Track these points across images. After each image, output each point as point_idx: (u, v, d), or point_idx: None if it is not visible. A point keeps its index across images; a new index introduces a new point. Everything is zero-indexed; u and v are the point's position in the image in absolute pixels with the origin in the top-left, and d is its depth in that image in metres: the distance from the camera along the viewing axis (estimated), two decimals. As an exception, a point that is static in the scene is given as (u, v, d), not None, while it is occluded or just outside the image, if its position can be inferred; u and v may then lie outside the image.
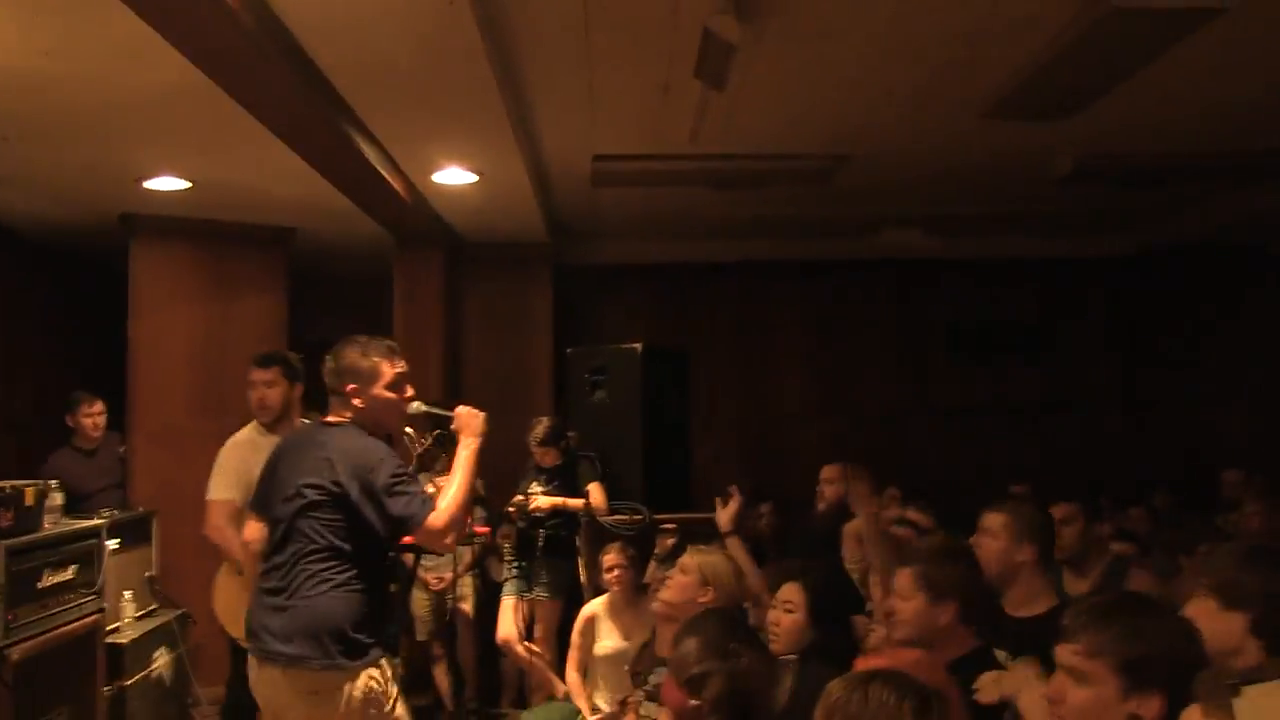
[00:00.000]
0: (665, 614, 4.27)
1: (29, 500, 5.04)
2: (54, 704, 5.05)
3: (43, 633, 4.99)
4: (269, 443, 4.68)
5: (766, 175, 6.47)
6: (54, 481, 5.37)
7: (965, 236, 8.46)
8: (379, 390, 3.61)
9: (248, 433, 5.10)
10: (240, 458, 4.91)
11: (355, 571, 3.42)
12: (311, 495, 3.42)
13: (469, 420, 3.82)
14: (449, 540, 3.55)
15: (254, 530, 4.03)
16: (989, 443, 8.72)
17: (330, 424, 3.61)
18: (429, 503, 3.46)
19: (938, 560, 3.29)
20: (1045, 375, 8.98)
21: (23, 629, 4.87)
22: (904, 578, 3.28)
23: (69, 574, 5.23)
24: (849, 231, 8.33)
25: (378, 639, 3.46)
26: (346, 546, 3.41)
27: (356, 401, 3.57)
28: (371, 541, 3.45)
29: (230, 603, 4.93)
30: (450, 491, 3.55)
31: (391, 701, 3.46)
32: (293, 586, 3.39)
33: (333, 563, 3.39)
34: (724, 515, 4.89)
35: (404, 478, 3.46)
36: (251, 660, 3.49)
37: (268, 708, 3.50)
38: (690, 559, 4.31)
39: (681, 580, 4.19)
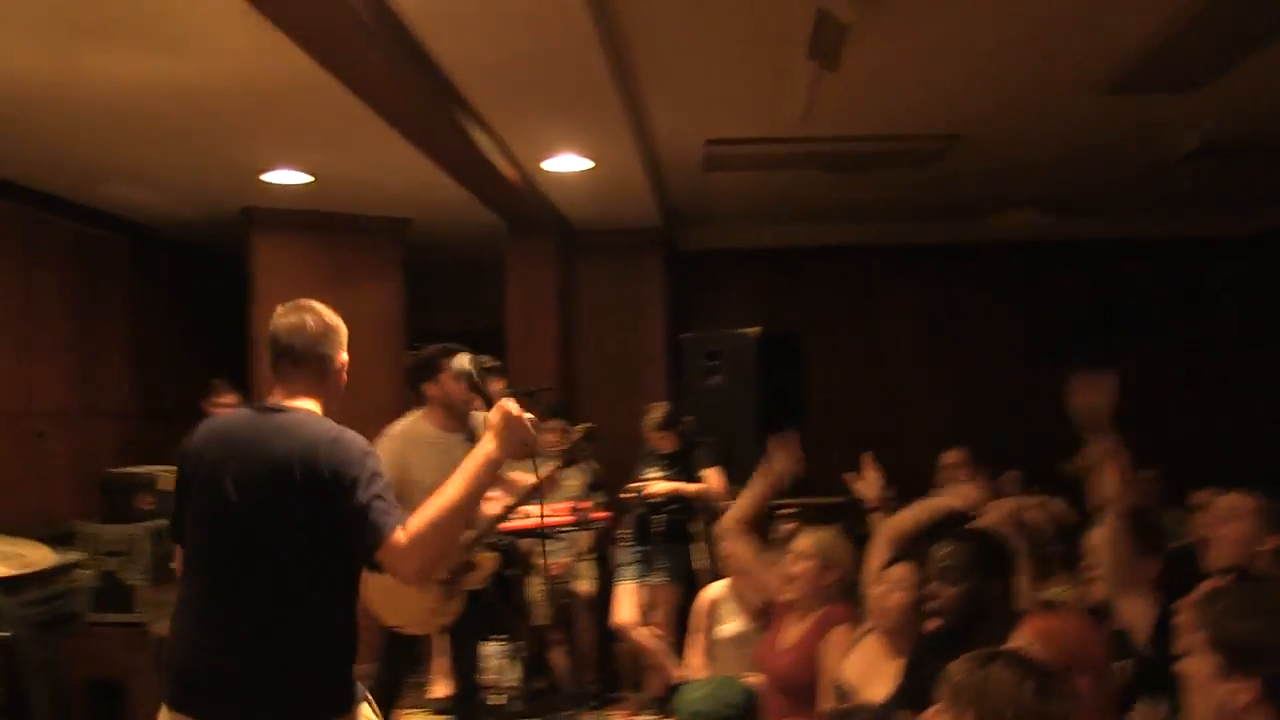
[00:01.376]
0: (792, 605, 4.26)
1: (167, 485, 5.23)
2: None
3: (180, 613, 5.17)
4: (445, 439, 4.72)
5: (879, 157, 6.38)
6: (189, 467, 5.55)
7: (1083, 217, 8.24)
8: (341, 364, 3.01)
9: (406, 422, 4.93)
10: (393, 450, 4.69)
11: (336, 594, 2.85)
12: (276, 492, 2.76)
13: (503, 423, 2.81)
14: (426, 565, 2.72)
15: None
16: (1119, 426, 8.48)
17: (280, 408, 2.92)
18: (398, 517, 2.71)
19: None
20: (1167, 358, 8.69)
21: (165, 607, 5.05)
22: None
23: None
24: (963, 214, 8.17)
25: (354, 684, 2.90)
26: (324, 558, 2.79)
27: (337, 379, 3.00)
28: (342, 552, 2.78)
29: (382, 591, 4.65)
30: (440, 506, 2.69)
31: None
32: (255, 615, 2.75)
33: (310, 583, 2.78)
34: (869, 488, 4.76)
35: (380, 478, 2.77)
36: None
37: None
38: (806, 543, 4.29)
39: (803, 567, 4.17)
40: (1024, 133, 5.99)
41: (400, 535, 2.63)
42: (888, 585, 3.78)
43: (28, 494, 5.71)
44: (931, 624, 3.54)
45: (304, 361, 2.91)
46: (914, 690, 3.41)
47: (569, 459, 5.06)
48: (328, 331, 2.94)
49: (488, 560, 5.05)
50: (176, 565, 3.09)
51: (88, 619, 5.01)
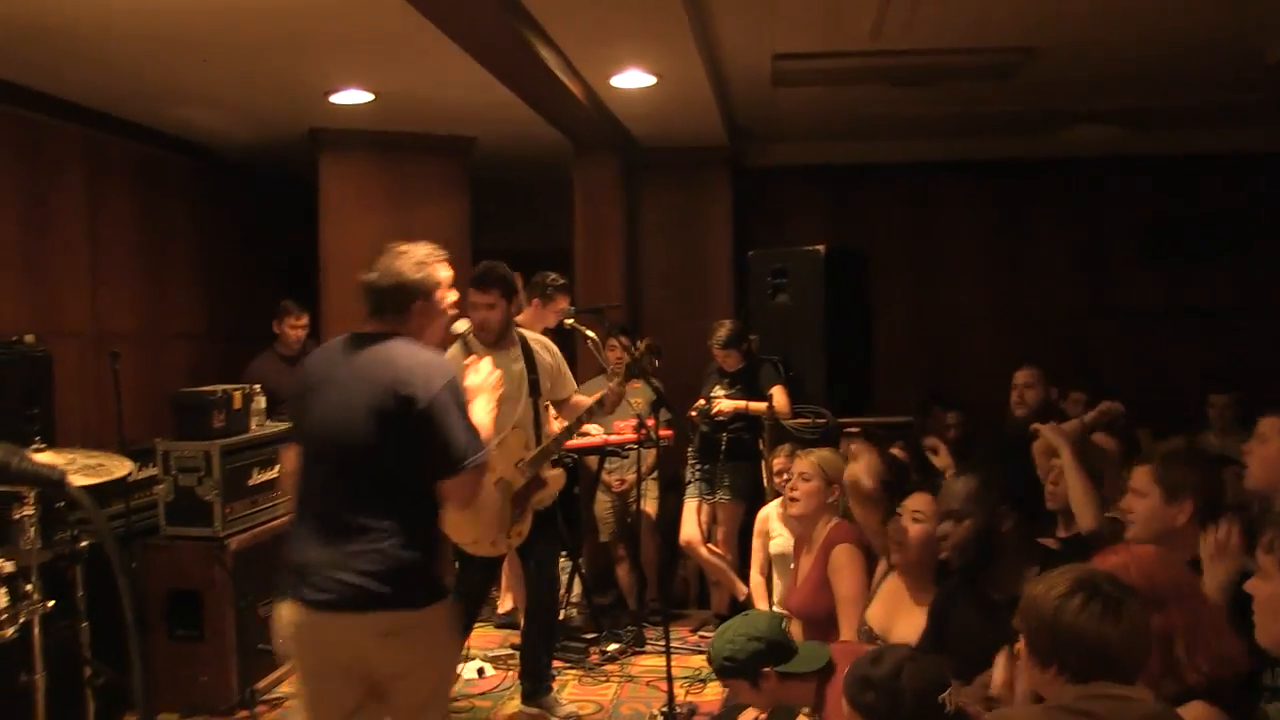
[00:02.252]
0: (801, 523, 4.27)
1: (237, 404, 5.34)
2: (267, 591, 5.37)
3: (254, 526, 5.31)
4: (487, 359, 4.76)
5: (950, 70, 6.24)
6: (257, 386, 5.65)
7: (1161, 131, 7.99)
8: (440, 295, 3.34)
9: (455, 350, 4.86)
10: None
11: (430, 504, 3.19)
12: (375, 413, 3.10)
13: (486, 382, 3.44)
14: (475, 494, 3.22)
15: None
16: (1182, 348, 8.32)
17: (377, 336, 3.26)
18: (479, 447, 3.16)
19: (1176, 460, 3.21)
20: (1244, 277, 8.47)
21: (237, 522, 5.20)
22: (1141, 475, 3.21)
23: (274, 473, 5.52)
24: (1035, 128, 7.97)
25: (443, 580, 3.28)
26: (419, 475, 3.14)
27: (417, 314, 3.29)
28: (426, 470, 3.15)
29: (454, 511, 4.85)
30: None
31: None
32: (360, 523, 3.09)
33: (406, 495, 3.14)
34: (942, 460, 4.78)
35: (462, 407, 3.16)
36: (295, 609, 3.14)
37: (332, 660, 3.13)
38: (806, 463, 4.28)
39: (806, 487, 4.17)
40: (1102, 42, 5.79)
41: (467, 466, 3.09)
42: (906, 515, 3.76)
43: (105, 413, 5.82)
44: (944, 555, 3.53)
45: (390, 302, 3.27)
46: (938, 632, 3.43)
47: (631, 374, 5.07)
48: (409, 279, 3.27)
49: (556, 477, 5.09)
50: (287, 469, 3.46)
51: (165, 532, 5.12)
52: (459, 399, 3.16)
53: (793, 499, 4.36)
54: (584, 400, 5.19)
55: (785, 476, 5.35)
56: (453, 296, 3.41)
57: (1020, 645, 2.37)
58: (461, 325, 4.84)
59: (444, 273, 3.36)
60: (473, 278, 4.97)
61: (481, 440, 3.18)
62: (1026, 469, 4.47)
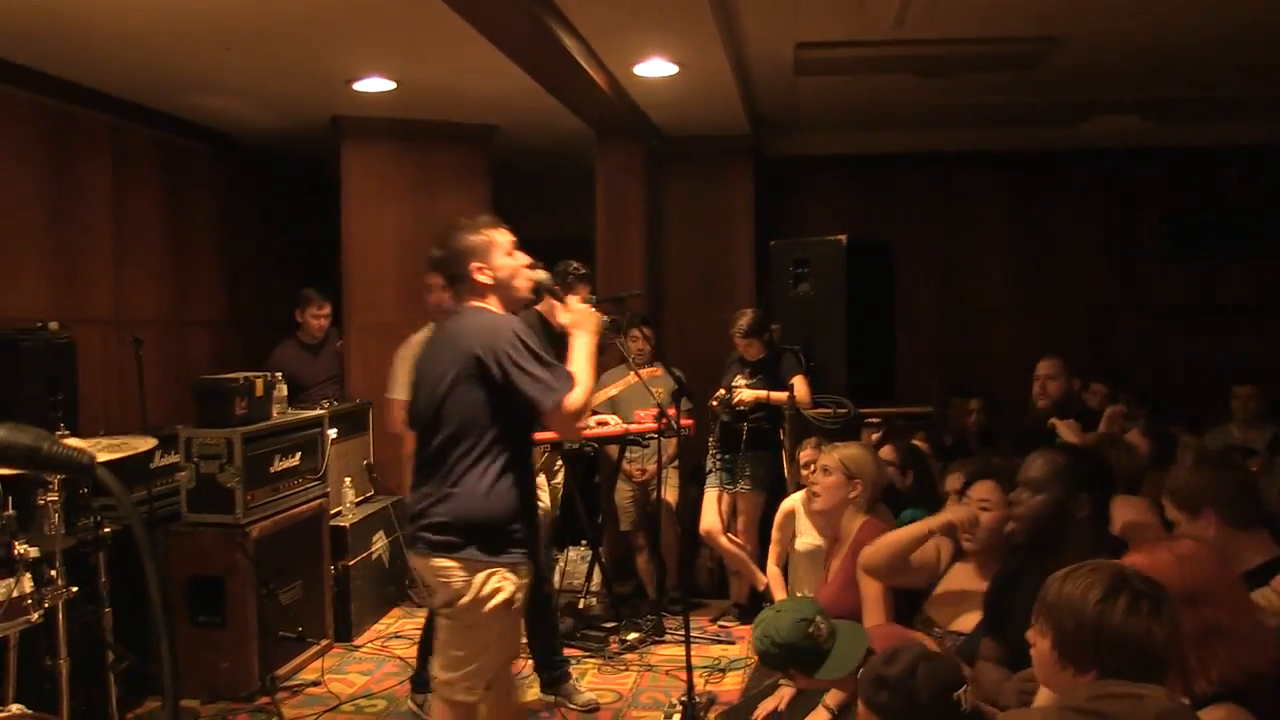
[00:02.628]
0: (825, 519, 4.25)
1: (259, 391, 5.35)
2: (289, 578, 5.40)
3: (276, 513, 5.32)
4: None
5: (974, 60, 6.20)
6: (279, 374, 5.66)
7: (1186, 122, 7.93)
8: (500, 259, 3.54)
9: (424, 333, 5.02)
10: (413, 357, 4.88)
11: (505, 459, 3.40)
12: (452, 379, 3.39)
13: (585, 317, 3.64)
14: (580, 425, 3.52)
15: (398, 420, 4.00)
16: (1203, 342, 8.27)
17: (461, 310, 3.56)
18: (560, 388, 3.35)
19: (1184, 477, 3.18)
20: (1266, 271, 8.40)
21: (259, 509, 5.21)
22: (1166, 503, 3.20)
23: (295, 460, 5.55)
24: (1058, 118, 7.92)
25: (523, 540, 3.44)
26: (493, 429, 3.38)
27: (482, 277, 3.51)
28: (515, 422, 3.44)
29: None
30: (583, 379, 3.42)
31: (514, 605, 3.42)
32: (441, 474, 3.40)
33: (480, 448, 3.37)
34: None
35: (531, 356, 3.36)
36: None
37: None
38: (830, 458, 4.25)
39: (828, 481, 4.15)
40: (1127, 32, 5.75)
41: (558, 400, 3.32)
42: (973, 504, 3.73)
43: (128, 400, 5.85)
44: (1010, 529, 3.48)
45: (454, 281, 3.57)
46: (996, 617, 3.37)
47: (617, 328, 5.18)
48: (456, 254, 3.52)
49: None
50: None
51: (187, 519, 5.14)
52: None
53: (814, 493, 4.34)
54: None
55: (812, 469, 5.35)
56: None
57: (1042, 647, 2.30)
58: None
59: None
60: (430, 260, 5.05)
61: None
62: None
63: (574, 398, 3.34)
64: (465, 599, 3.33)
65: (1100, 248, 8.61)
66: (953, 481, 4.31)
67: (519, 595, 3.41)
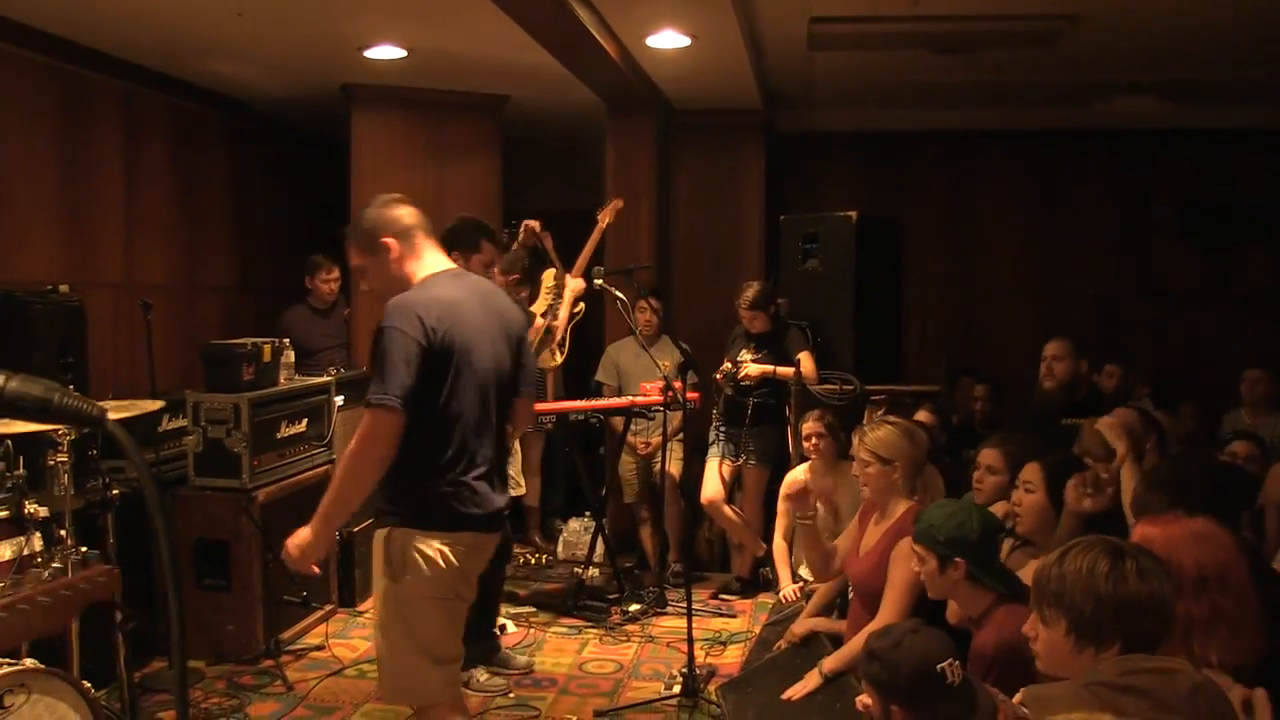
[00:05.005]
0: (871, 505, 4.23)
1: (267, 357, 5.37)
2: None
3: (282, 479, 5.35)
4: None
5: (990, 37, 6.17)
6: (287, 340, 5.68)
7: (1205, 105, 7.87)
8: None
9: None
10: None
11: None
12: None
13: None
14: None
15: None
16: (1215, 329, 8.25)
17: (473, 276, 3.61)
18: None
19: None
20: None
21: (265, 474, 5.24)
22: None
23: (302, 427, 5.57)
24: (1074, 99, 7.88)
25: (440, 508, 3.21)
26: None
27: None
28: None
29: None
30: None
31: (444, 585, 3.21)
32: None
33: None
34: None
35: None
36: None
37: None
38: (861, 449, 4.21)
39: (869, 473, 4.12)
40: (1147, 10, 5.70)
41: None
42: (1020, 488, 3.75)
43: (137, 364, 5.88)
44: (1091, 505, 3.51)
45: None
46: None
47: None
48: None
49: None
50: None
51: (194, 483, 5.17)
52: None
53: (862, 486, 4.28)
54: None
55: (814, 441, 5.36)
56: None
57: (1051, 636, 2.25)
58: None
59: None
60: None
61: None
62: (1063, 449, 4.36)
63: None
64: None
65: (1114, 230, 8.58)
66: (985, 456, 4.31)
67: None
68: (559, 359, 6.39)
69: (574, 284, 6.17)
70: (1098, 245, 8.56)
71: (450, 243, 4.92)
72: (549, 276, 6.43)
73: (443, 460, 3.17)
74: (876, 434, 4.16)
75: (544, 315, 6.23)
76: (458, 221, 5.02)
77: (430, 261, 3.33)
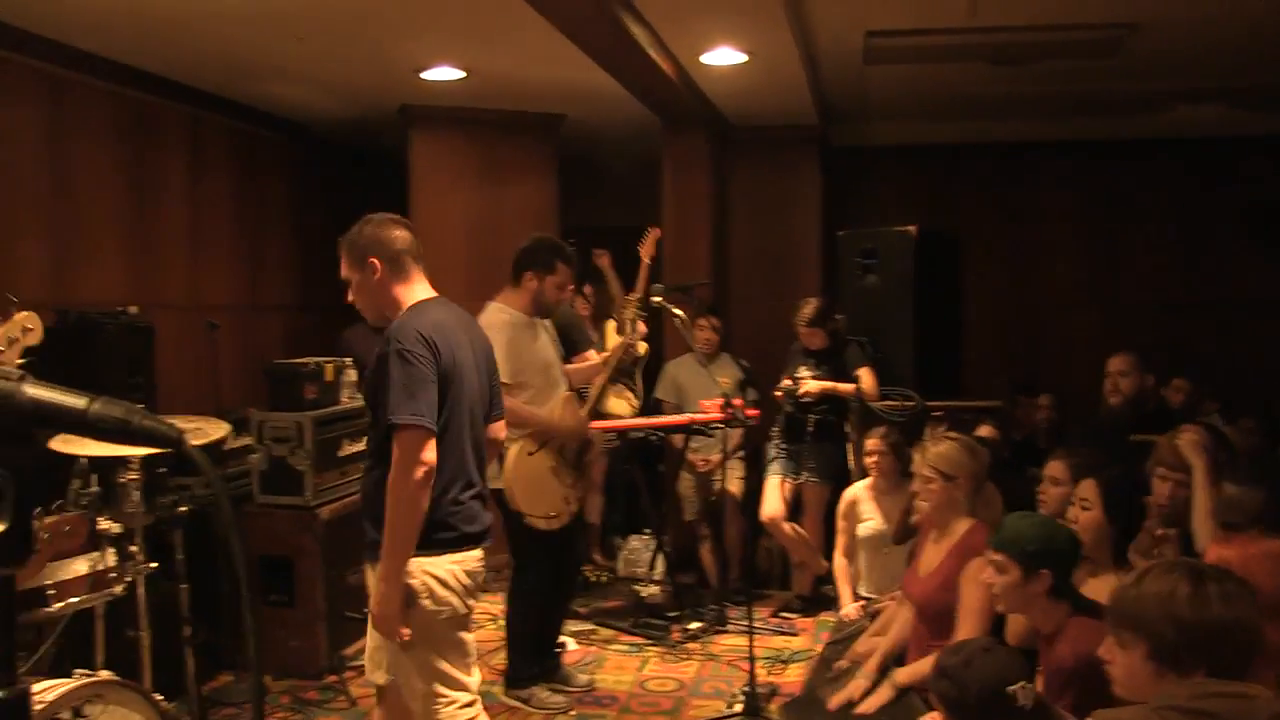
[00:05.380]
0: (930, 522, 4.20)
1: (329, 376, 5.44)
2: (354, 561, 5.46)
3: (343, 496, 5.41)
4: (535, 324, 4.94)
5: (1049, 47, 6.10)
6: (349, 359, 5.74)
7: (1270, 111, 7.76)
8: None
9: (509, 312, 4.98)
10: (508, 339, 4.80)
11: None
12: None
13: None
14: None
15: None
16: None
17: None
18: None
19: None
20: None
21: (328, 492, 5.30)
22: None
23: (362, 445, 5.61)
24: (1135, 108, 7.78)
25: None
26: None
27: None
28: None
29: (525, 482, 4.94)
30: None
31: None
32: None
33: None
34: None
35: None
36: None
37: None
38: (924, 466, 4.18)
39: (930, 489, 4.09)
40: (1211, 18, 5.61)
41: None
42: (1076, 505, 3.71)
43: (202, 383, 5.98)
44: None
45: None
46: None
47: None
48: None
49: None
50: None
51: (259, 501, 5.24)
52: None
53: (922, 502, 4.26)
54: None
55: (876, 459, 5.33)
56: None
57: (1130, 660, 2.20)
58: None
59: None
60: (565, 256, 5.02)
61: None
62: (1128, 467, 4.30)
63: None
64: None
65: (1177, 240, 8.44)
66: (1051, 469, 4.26)
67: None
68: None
69: (617, 340, 6.07)
70: (1161, 255, 8.43)
71: (525, 263, 4.98)
72: (612, 321, 6.46)
73: (443, 481, 3.19)
74: (939, 450, 4.12)
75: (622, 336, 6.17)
76: (533, 241, 5.07)
77: (419, 289, 3.37)
